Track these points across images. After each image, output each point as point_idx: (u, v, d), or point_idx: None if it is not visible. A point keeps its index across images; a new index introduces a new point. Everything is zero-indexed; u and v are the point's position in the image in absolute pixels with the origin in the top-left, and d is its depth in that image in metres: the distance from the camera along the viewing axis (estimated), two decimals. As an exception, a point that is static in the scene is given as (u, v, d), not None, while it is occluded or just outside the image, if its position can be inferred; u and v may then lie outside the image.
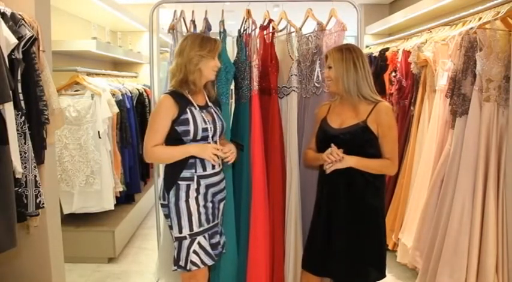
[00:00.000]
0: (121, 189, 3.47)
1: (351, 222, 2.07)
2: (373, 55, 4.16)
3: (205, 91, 2.21)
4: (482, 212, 2.37)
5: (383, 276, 2.13)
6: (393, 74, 3.57)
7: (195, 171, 2.08)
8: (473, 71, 2.41)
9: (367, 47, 4.86)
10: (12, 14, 1.95)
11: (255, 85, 2.53)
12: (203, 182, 2.10)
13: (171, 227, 2.12)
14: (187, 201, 2.07)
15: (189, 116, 2.05)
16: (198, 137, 2.06)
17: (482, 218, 2.37)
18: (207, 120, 2.09)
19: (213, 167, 2.12)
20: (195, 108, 2.08)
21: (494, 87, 2.33)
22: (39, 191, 2.01)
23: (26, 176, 1.96)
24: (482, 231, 2.37)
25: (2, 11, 1.88)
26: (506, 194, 2.31)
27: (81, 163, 3.21)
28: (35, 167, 2.00)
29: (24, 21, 1.99)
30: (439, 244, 2.51)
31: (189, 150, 2.06)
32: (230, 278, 2.51)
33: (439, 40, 2.91)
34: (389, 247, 3.30)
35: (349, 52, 2.05)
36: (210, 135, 2.09)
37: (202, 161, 2.09)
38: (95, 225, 3.46)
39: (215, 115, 2.17)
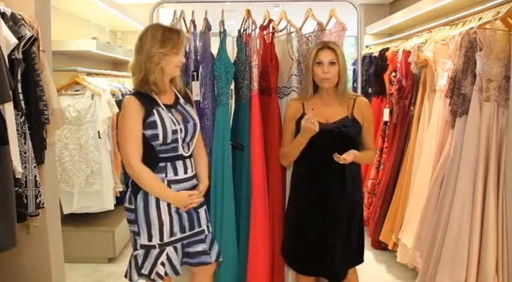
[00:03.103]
0: (121, 189, 3.47)
1: (346, 220, 2.12)
2: (373, 55, 4.16)
3: (172, 86, 1.99)
4: (482, 212, 2.37)
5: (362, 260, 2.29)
6: (393, 74, 3.57)
7: (166, 176, 1.89)
8: (473, 71, 2.41)
9: (367, 47, 4.86)
10: (12, 14, 1.95)
11: (255, 85, 2.53)
12: (174, 188, 1.91)
13: (136, 234, 1.90)
14: (158, 208, 1.88)
15: (156, 118, 1.85)
16: (168, 141, 1.87)
17: (482, 218, 2.37)
18: (176, 121, 1.89)
19: (185, 171, 1.95)
20: (162, 109, 1.88)
21: (494, 87, 2.33)
22: (39, 191, 2.01)
23: (26, 176, 1.97)
24: (482, 231, 2.37)
25: (2, 11, 1.88)
26: (506, 194, 2.31)
27: (81, 163, 3.21)
28: (35, 167, 2.00)
29: (24, 21, 2.00)
30: (439, 244, 2.51)
31: (167, 196, 1.88)
32: (230, 278, 2.50)
33: (439, 40, 2.91)
34: (390, 247, 3.31)
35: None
36: (181, 138, 1.90)
37: (173, 164, 1.91)
38: (95, 225, 3.46)
39: (186, 114, 1.96)
